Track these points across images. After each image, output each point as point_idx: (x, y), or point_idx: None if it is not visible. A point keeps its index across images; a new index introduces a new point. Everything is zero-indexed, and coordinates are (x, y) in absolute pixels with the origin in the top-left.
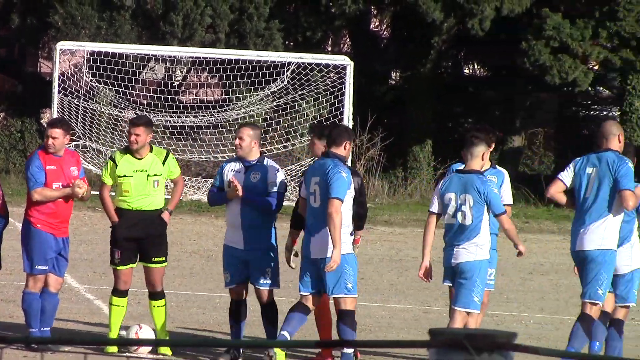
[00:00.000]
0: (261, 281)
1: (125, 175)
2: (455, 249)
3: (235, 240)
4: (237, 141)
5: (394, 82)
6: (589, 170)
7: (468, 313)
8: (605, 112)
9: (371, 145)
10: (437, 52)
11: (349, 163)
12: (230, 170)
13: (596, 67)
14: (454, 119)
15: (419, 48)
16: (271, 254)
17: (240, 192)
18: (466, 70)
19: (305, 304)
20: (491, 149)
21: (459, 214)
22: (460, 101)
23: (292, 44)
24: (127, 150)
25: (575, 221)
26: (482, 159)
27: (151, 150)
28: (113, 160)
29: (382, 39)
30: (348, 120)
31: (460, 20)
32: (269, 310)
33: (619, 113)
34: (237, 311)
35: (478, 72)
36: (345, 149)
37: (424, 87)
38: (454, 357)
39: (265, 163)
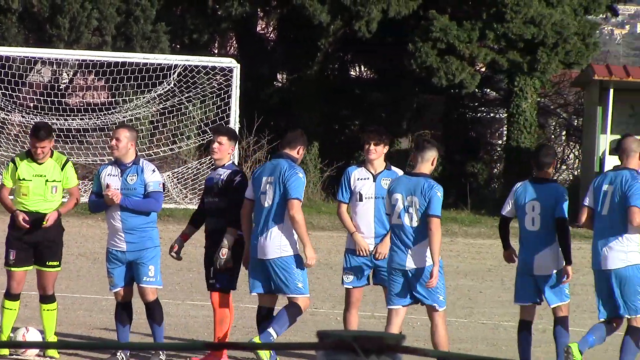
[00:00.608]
0: (144, 279)
1: (24, 179)
2: (409, 252)
3: (117, 242)
4: (113, 142)
5: (280, 85)
6: (605, 187)
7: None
8: (492, 114)
9: (258, 147)
10: (323, 54)
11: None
12: (107, 175)
13: (483, 69)
14: (341, 121)
15: (306, 50)
16: (154, 253)
17: (117, 200)
18: (353, 73)
19: (267, 306)
20: (386, 151)
21: (406, 216)
22: (347, 103)
23: (178, 46)
24: (29, 154)
25: (596, 239)
26: (432, 164)
27: (52, 156)
28: (14, 163)
29: (269, 42)
30: (235, 122)
31: (347, 23)
32: (154, 309)
33: (506, 115)
34: (123, 314)
35: (365, 74)
36: (298, 153)
37: (311, 89)
38: (342, 359)
39: (140, 164)
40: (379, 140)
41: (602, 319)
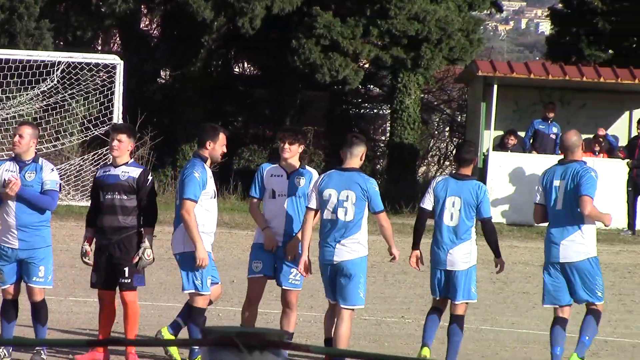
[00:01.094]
0: (34, 279)
1: None
2: (337, 246)
3: (9, 239)
4: (16, 138)
5: (164, 81)
6: (557, 183)
7: (352, 309)
8: (375, 110)
9: (141, 144)
10: (207, 51)
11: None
12: (5, 170)
13: (367, 65)
14: (225, 118)
15: (189, 47)
16: (45, 253)
17: (16, 188)
18: (236, 69)
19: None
20: (301, 150)
21: (340, 210)
22: (231, 100)
23: (62, 43)
24: None
25: (552, 233)
26: (361, 159)
27: None
28: None
29: (153, 38)
30: (118, 119)
31: (230, 19)
32: (40, 309)
33: (389, 111)
34: (9, 310)
35: (248, 70)
36: (207, 147)
37: (194, 86)
38: (226, 356)
39: (40, 162)
40: (293, 139)
41: (552, 306)
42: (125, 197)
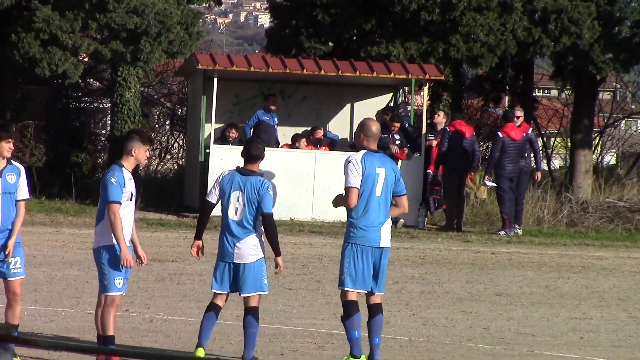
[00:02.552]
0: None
1: None
2: (97, 230)
3: None
4: None
5: None
6: (379, 170)
7: (107, 297)
8: (96, 104)
9: None
10: None
11: None
12: None
13: (87, 59)
14: None
15: None
16: None
17: None
18: None
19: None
20: (14, 142)
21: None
22: None
23: None
24: None
25: (373, 218)
26: (132, 154)
27: None
28: None
29: None
30: None
31: None
32: None
33: (109, 105)
34: None
35: None
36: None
37: None
38: None
39: None
40: (9, 135)
41: (363, 291)
42: None
